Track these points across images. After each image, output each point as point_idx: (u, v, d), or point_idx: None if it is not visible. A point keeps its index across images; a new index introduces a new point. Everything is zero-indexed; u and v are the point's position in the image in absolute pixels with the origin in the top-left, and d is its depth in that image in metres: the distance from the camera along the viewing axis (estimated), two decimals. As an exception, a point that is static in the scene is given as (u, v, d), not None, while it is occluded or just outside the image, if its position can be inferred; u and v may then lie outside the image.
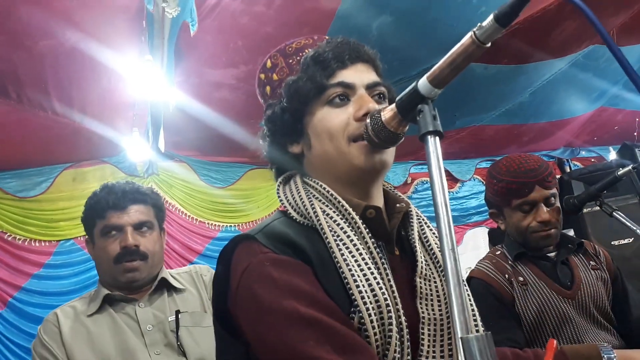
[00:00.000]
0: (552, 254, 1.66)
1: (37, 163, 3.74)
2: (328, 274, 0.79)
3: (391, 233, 0.89)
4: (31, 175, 3.74)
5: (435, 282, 0.87)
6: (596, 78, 4.05)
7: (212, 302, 0.88)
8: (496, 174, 1.66)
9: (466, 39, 0.60)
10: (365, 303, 0.76)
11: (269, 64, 0.97)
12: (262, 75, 0.98)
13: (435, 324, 0.83)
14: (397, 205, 0.92)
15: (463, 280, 0.58)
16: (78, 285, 3.64)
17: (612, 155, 5.40)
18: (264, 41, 2.60)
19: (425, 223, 0.95)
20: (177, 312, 1.43)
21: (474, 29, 0.59)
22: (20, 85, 2.78)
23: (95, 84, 2.83)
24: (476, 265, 1.70)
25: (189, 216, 4.17)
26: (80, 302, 1.51)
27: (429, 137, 0.63)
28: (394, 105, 0.71)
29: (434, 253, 0.90)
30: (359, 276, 0.78)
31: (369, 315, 0.75)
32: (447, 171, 5.09)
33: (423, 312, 0.83)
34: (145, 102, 3.03)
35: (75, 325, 1.43)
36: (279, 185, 0.96)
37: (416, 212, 0.95)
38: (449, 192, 4.73)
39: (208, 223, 4.24)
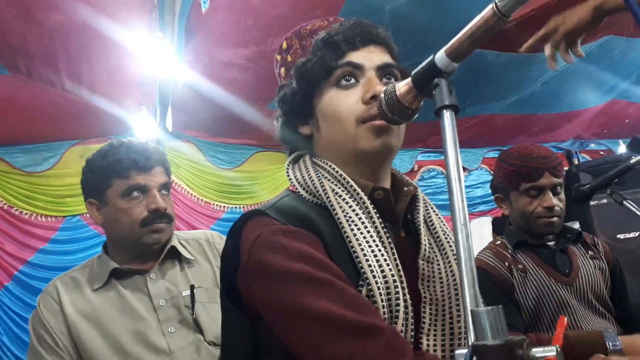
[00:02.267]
0: (552, 243, 1.70)
1: (45, 139, 3.76)
2: (337, 249, 0.80)
3: (398, 215, 0.90)
4: (39, 150, 3.77)
5: (438, 264, 0.88)
6: (609, 70, 4.00)
7: (221, 277, 0.89)
8: (507, 158, 1.70)
9: (487, 10, 0.59)
10: (374, 276, 0.77)
11: (284, 45, 0.97)
12: (279, 57, 0.98)
13: (436, 305, 0.84)
14: (405, 188, 0.93)
15: (474, 255, 0.57)
16: (83, 261, 3.67)
17: (621, 149, 5.36)
18: (275, 21, 2.57)
19: (432, 207, 0.97)
20: (192, 287, 1.36)
21: (495, 0, 0.58)
22: (31, 60, 2.78)
23: (105, 61, 2.82)
24: (477, 255, 1.72)
25: (195, 196, 4.18)
26: (80, 273, 1.39)
27: (445, 111, 0.62)
28: (409, 79, 0.70)
29: (438, 236, 0.92)
30: (367, 252, 0.79)
31: (378, 288, 0.76)
32: (454, 160, 5.07)
33: (424, 293, 0.84)
34: (154, 80, 3.03)
35: (79, 300, 1.33)
36: (288, 165, 0.96)
37: (423, 197, 0.96)
38: (455, 180, 4.73)
39: (214, 204, 4.26)
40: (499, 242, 1.74)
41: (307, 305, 0.71)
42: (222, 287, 0.88)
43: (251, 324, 0.82)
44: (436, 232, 0.92)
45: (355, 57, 0.87)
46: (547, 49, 1.33)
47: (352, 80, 0.87)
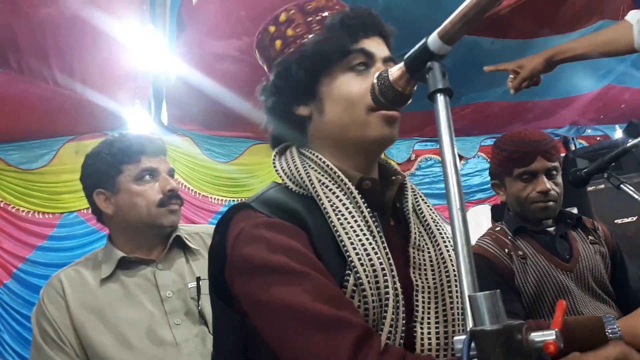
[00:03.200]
0: (551, 229, 1.69)
1: (40, 135, 3.73)
2: (324, 240, 0.79)
3: (386, 204, 0.90)
4: (33, 147, 3.74)
5: (428, 252, 0.88)
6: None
7: (209, 273, 0.88)
8: (501, 144, 1.70)
9: (479, -10, 0.58)
10: (362, 265, 0.76)
11: (282, 17, 0.93)
12: (272, 28, 0.93)
13: (429, 292, 0.84)
14: (393, 177, 0.93)
15: (471, 240, 0.57)
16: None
17: (618, 134, 5.35)
18: (267, 11, 2.51)
19: (420, 196, 0.97)
20: (199, 279, 1.35)
21: (488, -20, 0.56)
22: (21, 55, 2.75)
23: (96, 54, 2.80)
24: (476, 241, 1.72)
25: (192, 190, 4.17)
26: (84, 266, 1.39)
27: (439, 95, 0.61)
28: (402, 64, 0.69)
29: (428, 224, 0.92)
30: (354, 241, 0.78)
31: (366, 276, 0.76)
32: (450, 148, 5.06)
33: (416, 281, 0.84)
34: (147, 73, 3.00)
35: (83, 293, 1.32)
36: (275, 156, 0.95)
37: (411, 186, 0.96)
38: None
39: (211, 197, 4.24)
40: (498, 228, 1.73)
41: (281, 297, 0.72)
42: (211, 284, 0.87)
43: (240, 320, 0.81)
44: (426, 220, 0.92)
45: (368, 44, 0.88)
46: (509, 83, 1.75)
47: (363, 68, 0.87)
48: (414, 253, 0.87)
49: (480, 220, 4.94)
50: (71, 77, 3.01)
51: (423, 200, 0.96)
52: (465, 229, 0.56)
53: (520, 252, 1.62)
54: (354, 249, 0.77)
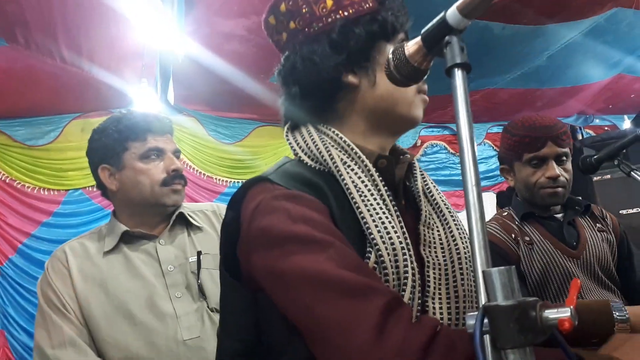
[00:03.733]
0: (559, 215, 1.68)
1: (46, 112, 3.72)
2: (344, 215, 0.78)
3: (398, 183, 0.90)
4: (40, 124, 3.74)
5: (438, 231, 0.89)
6: (615, 43, 3.93)
7: (220, 250, 0.86)
8: (511, 128, 1.68)
9: (501, -38, 0.57)
10: (384, 242, 0.76)
11: None
12: None
13: (439, 269, 0.84)
14: (401, 157, 0.93)
15: (485, 216, 0.56)
16: (87, 233, 3.70)
17: (626, 124, 5.31)
18: (277, -9, 2.52)
19: (427, 177, 0.97)
20: (199, 253, 1.37)
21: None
22: (29, 30, 2.73)
23: (104, 31, 2.78)
24: None
25: (197, 171, 4.17)
26: (88, 239, 1.41)
27: (456, 69, 0.60)
28: (418, 38, 0.67)
29: (437, 204, 0.92)
30: (375, 219, 0.78)
31: (388, 254, 0.75)
32: (457, 135, 5.04)
33: (427, 257, 0.84)
34: (154, 51, 2.98)
35: (86, 265, 1.34)
36: (287, 132, 0.94)
37: (418, 167, 0.97)
38: (457, 156, 4.66)
39: (216, 178, 4.24)
40: (505, 213, 1.72)
41: (303, 265, 0.69)
42: (222, 261, 0.85)
43: (251, 297, 0.80)
44: (434, 200, 0.93)
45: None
46: None
47: None
48: (424, 231, 0.87)
49: (485, 207, 4.93)
50: (78, 54, 2.99)
51: (430, 181, 0.97)
52: (480, 205, 0.55)
53: (527, 238, 1.62)
54: (376, 226, 0.76)
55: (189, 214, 1.47)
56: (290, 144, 0.90)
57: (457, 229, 0.90)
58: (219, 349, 0.88)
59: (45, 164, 3.75)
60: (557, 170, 1.60)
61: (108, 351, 1.27)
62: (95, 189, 3.79)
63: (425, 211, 0.90)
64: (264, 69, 3.35)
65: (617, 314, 0.97)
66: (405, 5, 0.90)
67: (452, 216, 0.92)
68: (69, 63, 3.06)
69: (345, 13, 0.86)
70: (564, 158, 1.62)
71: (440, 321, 0.78)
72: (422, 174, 0.96)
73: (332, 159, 0.83)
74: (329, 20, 0.86)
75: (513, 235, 1.62)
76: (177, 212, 1.44)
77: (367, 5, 0.87)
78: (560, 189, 1.61)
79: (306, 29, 0.88)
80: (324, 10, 0.87)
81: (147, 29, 2.61)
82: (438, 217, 0.91)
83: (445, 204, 0.93)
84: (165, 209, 1.42)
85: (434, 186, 0.96)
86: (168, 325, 1.29)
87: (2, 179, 3.67)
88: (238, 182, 4.27)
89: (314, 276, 0.68)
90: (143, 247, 1.39)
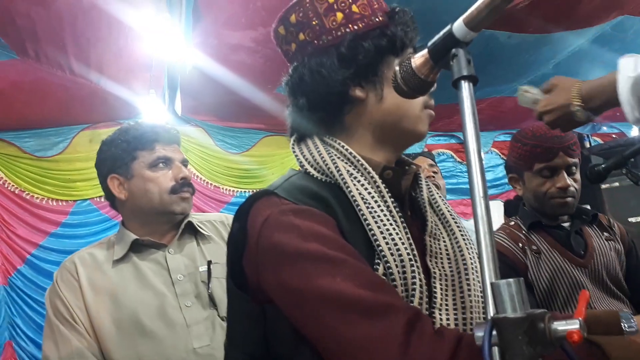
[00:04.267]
0: (566, 224, 1.68)
1: (55, 123, 3.77)
2: (351, 228, 0.78)
3: (404, 194, 0.90)
4: (49, 135, 3.78)
5: (444, 241, 0.89)
6: (622, 51, 3.90)
7: (227, 261, 0.85)
8: (521, 137, 1.67)
9: (507, -25, 0.57)
10: (391, 255, 0.75)
11: None
12: None
13: (446, 280, 0.84)
14: (407, 167, 0.93)
15: (493, 228, 0.56)
16: (95, 244, 3.72)
17: (634, 132, 5.27)
18: (283, 2, 2.54)
19: (433, 187, 0.98)
20: (209, 263, 1.37)
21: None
22: (39, 43, 2.77)
23: (113, 43, 2.81)
24: None
25: (204, 180, 4.19)
26: (98, 249, 1.41)
27: (463, 82, 0.61)
28: (425, 50, 0.68)
29: (442, 214, 0.92)
30: (383, 231, 0.78)
31: (396, 266, 0.75)
32: (463, 144, 5.03)
33: (434, 268, 0.84)
34: (162, 63, 3.02)
35: (96, 275, 1.34)
36: (293, 144, 0.94)
37: (424, 177, 0.97)
38: (464, 164, 4.64)
39: (223, 188, 4.26)
40: (512, 222, 1.71)
41: (320, 285, 0.68)
42: (229, 272, 0.84)
43: (259, 309, 0.80)
44: (440, 210, 0.93)
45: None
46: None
47: None
48: (430, 242, 0.86)
49: (492, 215, 4.90)
50: (87, 66, 3.03)
51: (435, 191, 0.97)
52: (488, 217, 0.55)
53: (534, 247, 1.61)
54: (384, 238, 0.76)
55: (197, 224, 1.48)
56: (296, 155, 0.91)
57: (464, 239, 0.89)
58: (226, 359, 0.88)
59: (54, 175, 3.79)
60: (568, 180, 1.59)
61: None
62: (103, 200, 3.84)
63: (431, 222, 0.90)
64: (271, 79, 3.37)
65: (626, 325, 0.96)
66: (414, 20, 0.90)
67: (458, 226, 0.91)
68: (78, 75, 3.10)
69: (355, 27, 0.87)
70: (574, 168, 1.62)
71: None
72: (427, 184, 0.96)
73: (338, 170, 0.83)
74: (339, 33, 0.87)
75: (520, 245, 1.61)
76: (185, 221, 1.45)
77: (377, 20, 0.87)
78: (570, 199, 1.61)
79: (315, 41, 0.88)
80: (334, 23, 0.87)
81: (155, 41, 2.63)
82: (444, 227, 0.91)
83: (451, 214, 0.93)
84: (174, 217, 1.43)
85: (440, 196, 0.96)
86: (178, 334, 1.28)
87: (12, 189, 3.71)
88: (245, 191, 4.29)
89: (333, 298, 0.67)
90: (152, 257, 1.39)
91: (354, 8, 0.87)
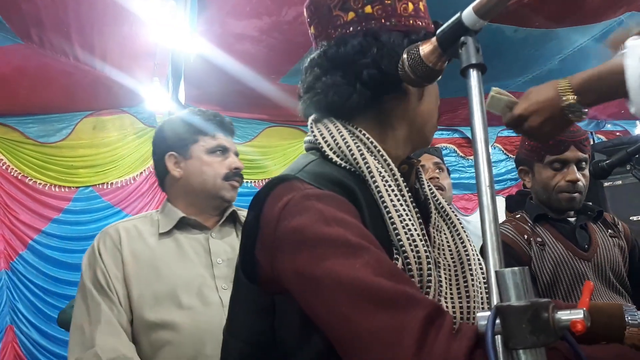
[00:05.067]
0: (572, 219, 1.70)
1: (58, 109, 3.77)
2: (373, 219, 0.77)
3: (411, 188, 0.89)
4: (52, 121, 3.78)
5: (445, 233, 0.90)
6: (629, 48, 3.89)
7: (240, 251, 0.82)
8: None
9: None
10: (412, 250, 0.75)
11: None
12: None
13: (449, 270, 0.84)
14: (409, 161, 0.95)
15: (498, 217, 0.56)
16: (96, 232, 3.69)
17: (638, 130, 5.27)
18: (289, -9, 2.53)
19: (428, 181, 0.99)
20: None
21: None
22: (43, 29, 2.77)
23: (117, 30, 2.80)
24: None
25: (206, 170, 4.19)
26: (140, 222, 1.45)
27: (472, 70, 0.61)
28: (434, 38, 0.67)
29: (442, 207, 0.94)
30: (404, 225, 0.77)
31: (414, 262, 0.75)
32: (467, 138, 5.02)
33: (438, 259, 0.84)
34: (166, 50, 3.00)
35: (139, 246, 1.37)
36: (311, 124, 0.91)
37: (426, 178, 0.98)
38: (467, 159, 4.59)
39: (225, 178, 4.26)
40: (518, 215, 1.74)
41: (337, 271, 0.65)
42: (239, 262, 0.82)
43: (269, 300, 0.78)
44: (440, 203, 0.94)
45: None
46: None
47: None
48: (434, 233, 0.87)
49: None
50: (91, 52, 3.02)
51: (432, 185, 0.99)
52: (493, 206, 0.55)
53: (539, 239, 1.63)
54: (405, 233, 0.76)
55: (241, 215, 1.54)
56: (315, 137, 0.87)
57: (464, 231, 0.91)
58: (224, 348, 0.87)
59: (57, 161, 3.79)
60: (578, 174, 1.62)
61: (153, 333, 1.29)
62: (105, 187, 3.87)
63: (434, 214, 0.90)
64: (275, 69, 3.36)
65: (629, 318, 0.96)
66: None
67: (458, 219, 0.93)
68: (82, 62, 3.10)
69: (421, 23, 0.86)
70: (584, 164, 1.65)
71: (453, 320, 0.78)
72: (425, 179, 0.98)
73: (364, 159, 0.81)
74: (407, 22, 0.85)
75: (526, 237, 1.64)
76: (230, 210, 1.51)
77: (431, 26, 0.88)
78: (577, 194, 1.63)
79: (383, 20, 0.85)
80: (405, 11, 0.85)
81: (160, 29, 2.62)
82: (444, 219, 0.92)
83: (450, 206, 0.96)
84: (222, 202, 1.49)
85: (435, 189, 0.99)
86: (214, 311, 1.32)
87: (15, 175, 3.71)
88: (248, 182, 4.28)
89: (350, 283, 0.64)
90: (195, 237, 1.43)
91: (421, 6, 0.88)
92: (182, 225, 1.44)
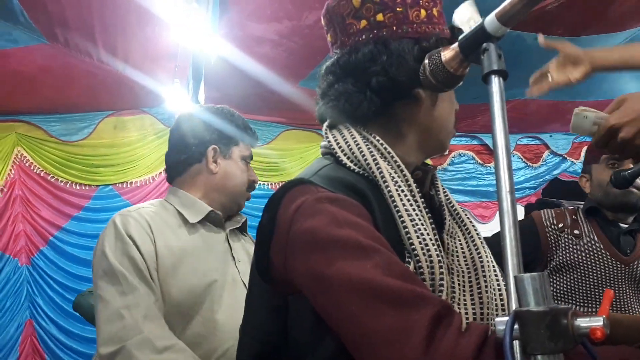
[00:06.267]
0: (625, 225, 1.70)
1: (81, 109, 3.84)
2: (386, 224, 0.77)
3: (426, 194, 0.90)
4: (74, 120, 3.85)
5: (459, 239, 0.89)
6: (653, 57, 3.83)
7: (255, 252, 0.84)
8: None
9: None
10: (424, 254, 0.75)
11: None
12: None
13: (463, 276, 0.84)
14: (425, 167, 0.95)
15: (517, 223, 0.56)
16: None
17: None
18: (309, -5, 2.54)
19: (444, 187, 0.99)
20: None
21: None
22: (68, 30, 2.82)
23: (139, 32, 2.85)
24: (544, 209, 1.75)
25: (224, 172, 4.22)
26: (157, 210, 1.39)
27: (493, 76, 0.61)
28: (455, 44, 0.68)
29: (457, 213, 0.93)
30: (416, 230, 0.77)
31: (427, 267, 0.75)
32: (485, 145, 4.98)
33: (451, 265, 0.84)
34: (187, 52, 3.04)
35: (170, 235, 1.33)
36: (326, 130, 0.92)
37: (437, 177, 0.98)
38: (485, 166, 4.53)
39: (242, 180, 4.29)
40: (571, 207, 1.75)
41: (348, 272, 0.66)
42: (255, 262, 0.83)
43: (282, 301, 0.79)
44: (455, 210, 0.94)
45: None
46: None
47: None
48: (448, 240, 0.87)
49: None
50: (114, 53, 3.07)
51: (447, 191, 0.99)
52: (513, 211, 0.55)
53: (576, 231, 1.64)
54: (417, 237, 0.76)
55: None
56: (330, 143, 0.89)
57: (479, 238, 0.90)
58: (239, 348, 0.88)
59: (78, 160, 3.86)
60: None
61: (189, 328, 1.27)
62: (125, 186, 3.92)
63: (449, 220, 0.90)
64: (294, 73, 3.38)
65: None
66: None
67: (473, 226, 0.93)
68: (104, 62, 3.15)
69: (434, 29, 0.87)
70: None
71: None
72: (442, 185, 0.98)
73: (377, 165, 0.82)
74: (420, 29, 0.86)
75: (560, 225, 1.65)
76: (244, 218, 1.54)
77: (446, 32, 0.88)
78: (635, 190, 1.62)
79: (394, 27, 0.86)
80: (417, 18, 0.86)
81: (181, 31, 2.66)
82: (459, 226, 0.92)
83: (465, 213, 0.95)
84: (238, 208, 1.53)
85: (451, 196, 0.99)
86: (242, 302, 1.30)
87: (37, 172, 3.79)
88: (265, 184, 4.31)
89: (360, 283, 0.65)
90: (216, 234, 1.44)
91: (434, 12, 0.88)
92: (207, 219, 1.43)
